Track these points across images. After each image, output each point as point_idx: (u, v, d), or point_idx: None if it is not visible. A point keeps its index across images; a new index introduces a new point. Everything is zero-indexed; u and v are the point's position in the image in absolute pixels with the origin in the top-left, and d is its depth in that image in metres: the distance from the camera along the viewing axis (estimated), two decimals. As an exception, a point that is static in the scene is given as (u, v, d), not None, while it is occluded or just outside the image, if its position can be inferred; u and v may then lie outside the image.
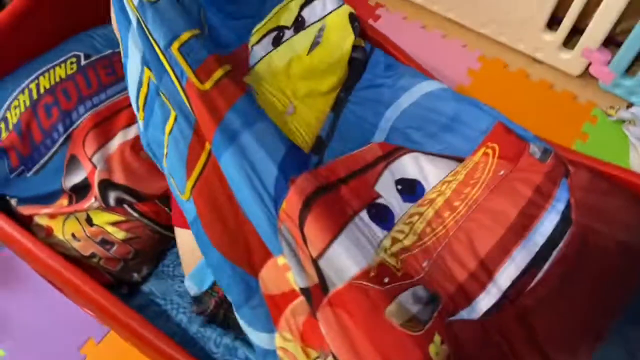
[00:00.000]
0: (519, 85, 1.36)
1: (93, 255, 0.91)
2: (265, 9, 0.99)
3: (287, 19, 0.98)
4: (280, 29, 0.97)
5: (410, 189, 0.96)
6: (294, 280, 0.70)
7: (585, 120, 1.27)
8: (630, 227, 0.87)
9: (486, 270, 0.81)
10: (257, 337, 0.73)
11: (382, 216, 0.85)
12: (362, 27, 1.06)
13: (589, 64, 1.30)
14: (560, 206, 0.87)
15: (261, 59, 0.93)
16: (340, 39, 0.99)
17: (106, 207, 0.90)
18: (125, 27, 0.82)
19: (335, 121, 0.98)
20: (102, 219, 0.91)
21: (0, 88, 0.93)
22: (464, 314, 0.77)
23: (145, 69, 0.81)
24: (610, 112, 1.26)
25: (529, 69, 1.38)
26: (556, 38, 1.30)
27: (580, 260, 0.82)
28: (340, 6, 1.02)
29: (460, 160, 1.01)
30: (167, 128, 0.80)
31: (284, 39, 0.96)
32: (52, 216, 0.92)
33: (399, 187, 0.93)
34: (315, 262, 0.71)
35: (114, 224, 0.91)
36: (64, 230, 0.92)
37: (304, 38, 0.97)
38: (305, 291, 0.69)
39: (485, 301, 0.79)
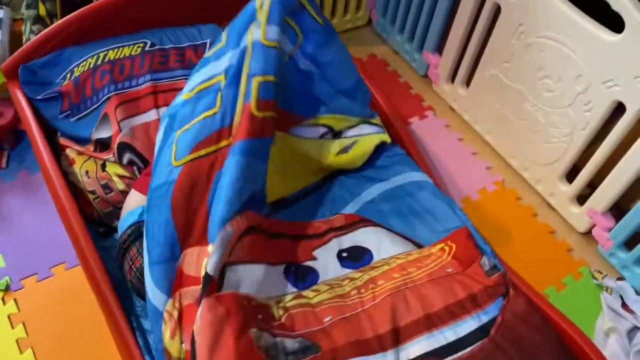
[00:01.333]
0: (522, 220, 1.41)
1: (93, 192, 1.10)
2: (339, 107, 1.13)
3: (340, 125, 1.13)
4: (330, 130, 1.12)
5: (356, 258, 1.05)
6: (205, 265, 0.81)
7: (570, 273, 1.29)
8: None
9: (394, 339, 0.87)
10: (155, 295, 0.83)
11: (302, 276, 0.97)
12: (398, 134, 1.23)
13: (594, 225, 1.33)
14: (485, 318, 0.91)
15: (301, 135, 1.08)
16: (366, 152, 1.14)
17: (119, 163, 1.07)
18: (234, 42, 0.99)
19: (314, 190, 1.11)
20: (113, 169, 1.10)
21: (80, 50, 1.17)
22: None
23: (223, 75, 0.97)
24: (596, 275, 1.27)
25: (538, 209, 1.43)
26: (570, 190, 1.35)
27: None
28: (379, 133, 1.17)
29: (419, 246, 1.08)
30: (206, 114, 0.95)
31: (324, 137, 1.11)
32: (79, 153, 1.13)
33: (345, 254, 1.05)
34: (224, 266, 0.83)
35: (120, 176, 1.09)
36: (82, 166, 1.12)
37: (338, 144, 1.12)
38: (207, 278, 0.80)
39: None
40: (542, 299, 1.05)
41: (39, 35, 1.15)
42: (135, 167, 1.09)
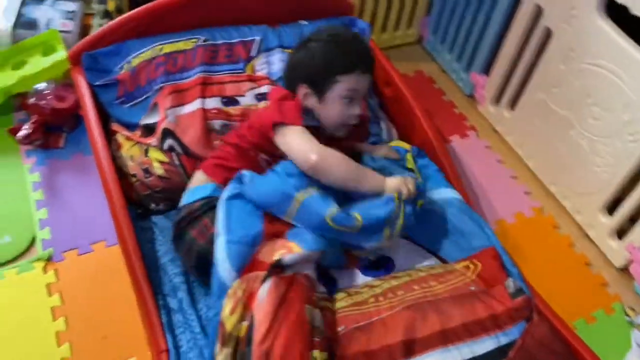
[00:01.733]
0: (558, 248, 1.37)
1: (135, 175, 1.16)
2: None
3: None
4: None
5: (378, 266, 1.07)
6: (281, 255, 0.89)
7: (602, 307, 1.25)
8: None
9: (406, 350, 0.88)
10: (225, 270, 0.89)
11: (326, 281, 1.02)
12: (434, 150, 1.27)
13: (632, 261, 1.29)
14: (504, 340, 0.91)
15: None
16: None
17: (160, 148, 1.14)
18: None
19: None
20: (154, 155, 1.16)
21: (140, 43, 1.25)
22: None
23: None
24: (629, 312, 1.23)
25: (576, 240, 1.39)
26: (610, 223, 1.32)
27: None
28: None
29: (443, 261, 1.08)
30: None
31: None
32: (127, 138, 1.20)
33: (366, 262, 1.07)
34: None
35: (160, 162, 1.15)
36: (128, 151, 1.19)
37: None
38: (279, 263, 0.88)
39: None
40: (567, 328, 1.03)
41: (103, 27, 1.24)
42: (174, 154, 1.15)
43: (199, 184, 1.07)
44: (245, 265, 0.90)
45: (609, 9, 1.20)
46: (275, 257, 0.89)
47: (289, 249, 0.90)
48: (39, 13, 1.60)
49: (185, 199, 1.06)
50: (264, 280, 0.87)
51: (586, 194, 1.36)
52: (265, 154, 1.08)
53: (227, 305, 0.86)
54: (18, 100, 1.47)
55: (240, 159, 1.07)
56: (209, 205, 1.01)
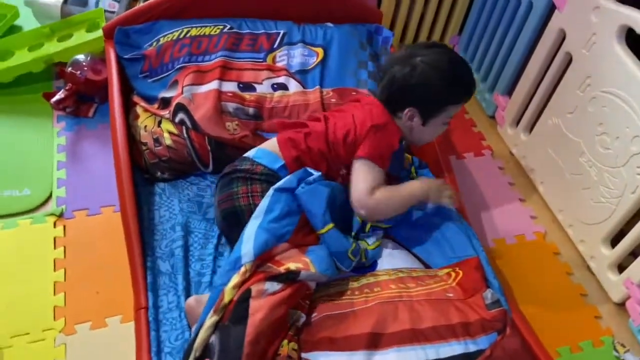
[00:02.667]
0: (555, 275, 1.35)
1: (145, 144, 1.23)
2: None
3: None
4: None
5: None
6: (297, 268, 0.93)
7: (591, 339, 1.22)
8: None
9: (370, 342, 0.90)
10: (246, 248, 0.93)
11: None
12: (438, 162, 1.30)
13: (629, 297, 1.26)
14: (472, 347, 0.92)
15: None
16: None
17: (172, 120, 1.22)
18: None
19: None
20: (166, 126, 1.24)
21: (169, 24, 1.34)
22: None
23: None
24: (619, 347, 1.20)
25: (575, 269, 1.37)
26: (611, 255, 1.29)
27: None
28: None
29: (427, 267, 1.10)
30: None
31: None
32: (145, 109, 1.28)
33: None
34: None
35: (170, 133, 1.23)
36: (143, 121, 1.26)
37: None
38: (293, 275, 0.93)
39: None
40: (541, 348, 1.02)
41: (137, 7, 1.33)
42: (184, 127, 1.21)
43: (271, 150, 1.10)
44: (263, 253, 0.94)
45: (628, 38, 1.20)
46: (292, 266, 0.93)
47: (306, 265, 0.94)
48: (90, -8, 1.72)
49: (255, 154, 1.10)
50: (275, 278, 0.91)
51: (591, 225, 1.34)
52: (346, 169, 1.10)
53: (234, 280, 0.90)
54: (57, 69, 1.58)
55: (320, 162, 1.10)
56: (267, 178, 1.05)
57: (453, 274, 1.05)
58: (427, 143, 1.21)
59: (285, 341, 0.88)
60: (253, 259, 0.92)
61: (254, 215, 0.97)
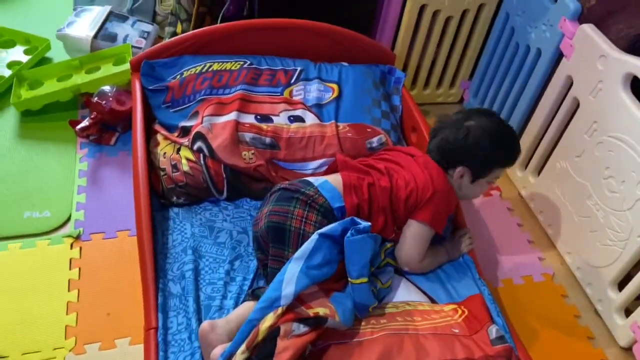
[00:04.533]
0: (562, 318, 1.35)
1: (164, 169, 1.27)
2: None
3: None
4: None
5: None
6: (325, 313, 0.94)
7: (596, 383, 1.22)
8: None
9: None
10: (287, 289, 0.92)
11: None
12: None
13: (635, 341, 1.25)
14: None
15: None
16: None
17: (190, 148, 1.27)
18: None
19: None
20: (184, 153, 1.28)
21: (193, 59, 1.41)
22: None
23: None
24: (626, 393, 1.19)
25: (583, 312, 1.37)
26: (618, 298, 1.29)
27: None
28: None
29: (432, 300, 1.11)
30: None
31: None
32: (165, 137, 1.33)
33: None
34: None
35: (188, 159, 1.27)
36: (163, 148, 1.31)
37: None
38: (321, 321, 0.94)
39: None
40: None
41: (163, 42, 1.41)
42: (201, 155, 1.26)
43: (336, 187, 1.12)
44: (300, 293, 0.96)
45: (633, 85, 1.24)
46: (321, 312, 0.93)
47: (332, 312, 0.95)
48: (119, 29, 1.82)
49: (321, 184, 1.12)
50: (303, 321, 0.92)
51: (598, 267, 1.35)
52: (399, 228, 1.16)
53: (270, 320, 0.90)
54: (84, 99, 1.65)
55: (378, 216, 1.13)
56: (325, 212, 1.08)
57: (459, 311, 1.06)
58: (471, 199, 1.26)
59: None
60: (292, 299, 0.93)
61: (296, 256, 0.97)
